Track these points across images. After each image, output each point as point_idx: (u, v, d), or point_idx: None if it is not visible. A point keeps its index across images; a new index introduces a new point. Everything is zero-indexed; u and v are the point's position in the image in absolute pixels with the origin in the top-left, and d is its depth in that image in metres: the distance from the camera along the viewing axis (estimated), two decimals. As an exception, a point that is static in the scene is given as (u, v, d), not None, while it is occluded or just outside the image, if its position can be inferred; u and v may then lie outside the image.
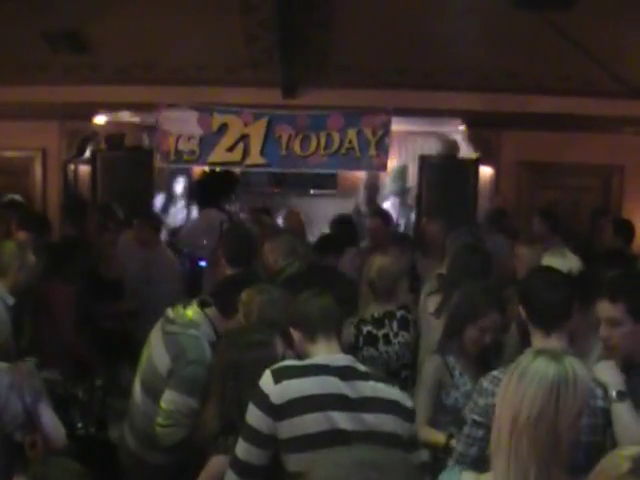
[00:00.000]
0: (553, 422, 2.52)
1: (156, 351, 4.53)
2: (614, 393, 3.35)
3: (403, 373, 5.49)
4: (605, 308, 3.57)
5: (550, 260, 5.48)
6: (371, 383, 3.44)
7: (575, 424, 2.59)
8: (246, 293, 4.42)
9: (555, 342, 3.58)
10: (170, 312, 4.62)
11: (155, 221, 8.44)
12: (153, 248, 8.10)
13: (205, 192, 9.83)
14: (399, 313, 5.62)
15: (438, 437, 4.23)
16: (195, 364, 4.32)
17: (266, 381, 3.32)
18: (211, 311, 4.65)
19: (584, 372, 2.63)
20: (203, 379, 4.19)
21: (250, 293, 4.42)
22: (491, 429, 2.80)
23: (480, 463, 3.16)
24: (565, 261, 5.46)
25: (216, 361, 3.94)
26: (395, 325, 5.55)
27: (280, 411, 3.27)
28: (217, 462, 3.56)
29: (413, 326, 5.65)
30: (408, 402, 3.51)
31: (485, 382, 3.50)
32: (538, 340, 3.65)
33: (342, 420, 3.30)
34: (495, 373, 3.50)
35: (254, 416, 3.31)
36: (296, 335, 3.66)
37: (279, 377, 3.32)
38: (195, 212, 11.36)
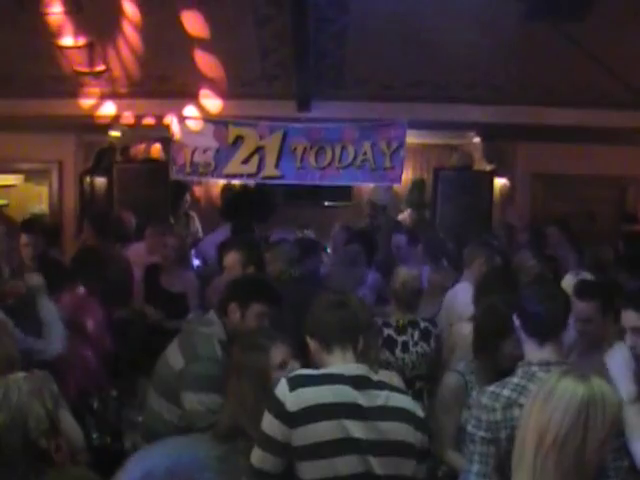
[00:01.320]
0: (580, 444, 2.52)
1: (171, 350, 4.57)
2: (626, 393, 3.35)
3: (418, 384, 5.51)
4: (630, 318, 3.60)
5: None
6: (385, 392, 3.44)
7: (603, 447, 2.58)
8: None
9: (548, 353, 3.55)
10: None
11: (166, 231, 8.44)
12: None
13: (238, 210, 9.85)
14: (423, 324, 5.69)
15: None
16: (205, 360, 4.35)
17: (281, 389, 3.33)
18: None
19: (613, 394, 2.64)
20: (215, 376, 4.20)
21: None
22: (498, 444, 2.83)
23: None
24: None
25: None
26: (417, 335, 5.61)
27: (295, 419, 3.27)
28: None
29: (435, 340, 5.68)
30: (420, 411, 3.50)
31: (484, 398, 3.49)
32: (531, 350, 3.61)
33: (356, 429, 3.30)
34: (492, 388, 3.50)
35: (269, 423, 3.31)
36: (312, 344, 3.64)
37: (294, 385, 3.33)
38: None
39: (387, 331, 5.56)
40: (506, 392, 3.44)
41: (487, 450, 3.40)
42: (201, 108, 9.55)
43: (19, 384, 4.08)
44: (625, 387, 3.40)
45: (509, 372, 3.65)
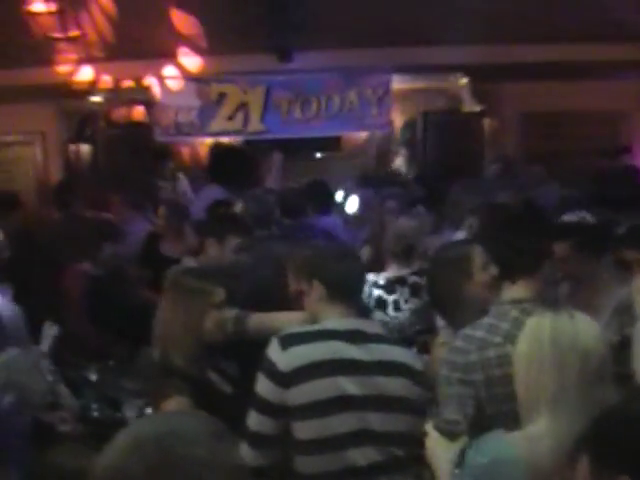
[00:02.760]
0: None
1: None
2: None
3: (420, 338, 5.34)
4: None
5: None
6: (383, 346, 3.37)
7: None
8: None
9: (522, 291, 3.45)
10: None
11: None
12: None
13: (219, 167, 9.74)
14: (411, 279, 5.51)
15: None
16: None
17: (273, 348, 3.26)
18: None
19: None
20: None
21: None
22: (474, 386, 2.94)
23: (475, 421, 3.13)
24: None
25: None
26: (406, 292, 5.46)
27: (288, 379, 3.20)
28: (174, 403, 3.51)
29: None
30: (420, 365, 3.43)
31: (458, 341, 3.39)
32: (504, 289, 3.52)
33: (351, 385, 3.23)
34: (465, 331, 3.39)
35: (263, 385, 3.24)
36: (314, 290, 3.49)
37: (286, 344, 3.25)
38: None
39: (377, 292, 5.45)
40: (479, 333, 3.34)
41: (465, 391, 3.30)
42: (181, 68, 9.41)
43: (19, 362, 4.04)
44: None
45: None
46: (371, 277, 5.50)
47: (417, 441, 3.19)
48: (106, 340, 6.36)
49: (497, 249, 3.59)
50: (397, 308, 5.44)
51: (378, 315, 5.32)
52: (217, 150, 10.80)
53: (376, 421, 3.25)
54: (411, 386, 3.32)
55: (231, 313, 3.84)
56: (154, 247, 7.66)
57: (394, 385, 3.30)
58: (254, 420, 3.26)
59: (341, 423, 3.23)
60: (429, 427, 3.04)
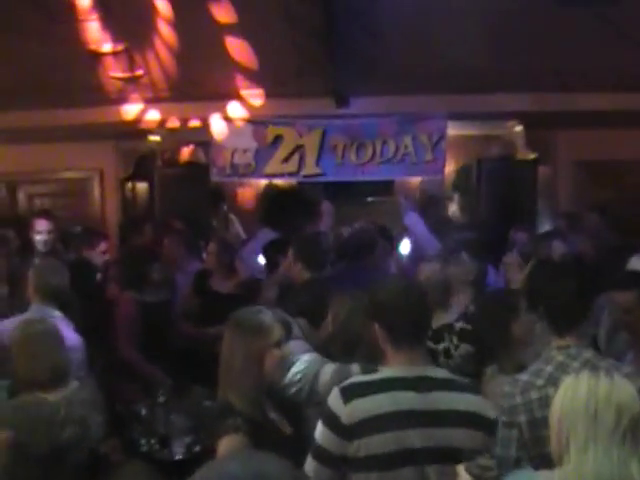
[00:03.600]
0: None
1: None
2: None
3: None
4: None
5: (636, 263, 5.43)
6: (450, 394, 3.34)
7: None
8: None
9: (569, 337, 3.55)
10: None
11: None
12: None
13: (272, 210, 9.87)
14: (458, 325, 5.48)
15: None
16: None
17: (335, 401, 3.26)
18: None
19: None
20: None
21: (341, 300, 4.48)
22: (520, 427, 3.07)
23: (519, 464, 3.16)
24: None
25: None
26: (455, 338, 5.41)
27: (351, 431, 3.20)
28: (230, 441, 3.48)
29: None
30: (491, 412, 3.40)
31: (507, 387, 3.52)
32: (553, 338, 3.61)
33: (412, 438, 3.22)
34: (515, 376, 3.57)
35: (324, 436, 3.26)
36: (378, 332, 3.48)
37: (349, 396, 3.25)
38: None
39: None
40: (525, 377, 3.49)
41: (508, 434, 3.37)
42: (239, 109, 9.51)
43: (78, 396, 4.11)
44: None
45: None
46: None
47: None
48: (156, 373, 6.44)
49: (544, 305, 3.67)
50: (448, 356, 5.37)
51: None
52: (271, 192, 10.92)
53: (435, 473, 3.23)
54: (481, 437, 3.30)
55: None
56: (205, 282, 7.74)
57: (459, 436, 3.27)
58: (314, 470, 3.25)
59: (399, 476, 3.22)
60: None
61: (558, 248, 7.11)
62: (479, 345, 5.36)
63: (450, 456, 3.20)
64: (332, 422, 3.23)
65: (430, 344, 5.31)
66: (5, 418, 3.20)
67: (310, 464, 3.27)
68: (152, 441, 5.34)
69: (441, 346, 5.40)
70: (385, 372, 3.40)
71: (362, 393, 3.27)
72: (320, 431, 3.28)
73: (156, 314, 6.82)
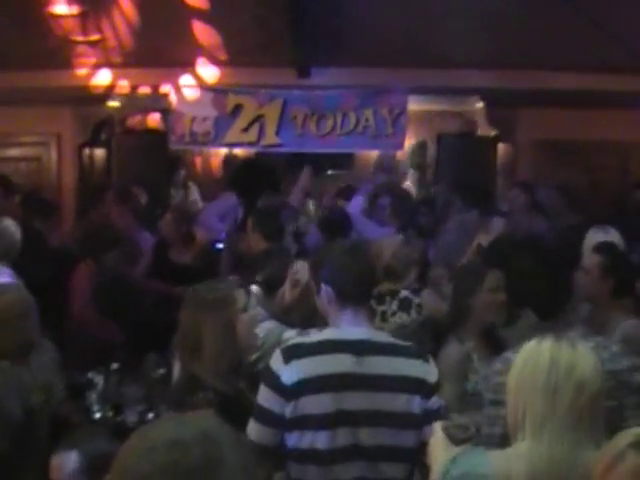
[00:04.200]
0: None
1: None
2: None
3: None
4: None
5: (594, 236, 5.48)
6: (390, 359, 3.35)
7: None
8: None
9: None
10: None
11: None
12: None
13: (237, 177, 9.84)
14: (403, 293, 5.55)
15: None
16: None
17: (276, 361, 3.29)
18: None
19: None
20: None
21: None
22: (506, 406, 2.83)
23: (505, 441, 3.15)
24: (607, 237, 5.45)
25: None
26: (395, 304, 5.48)
27: (290, 391, 3.23)
28: None
29: (417, 310, 5.54)
30: (432, 376, 3.39)
31: (498, 363, 3.51)
32: None
33: (349, 400, 3.24)
34: (506, 354, 3.52)
35: (266, 397, 3.28)
36: (326, 293, 3.49)
37: (289, 356, 3.28)
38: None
39: None
40: (513, 356, 3.39)
41: (494, 411, 3.40)
42: (198, 77, 9.43)
43: (39, 360, 4.09)
44: None
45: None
46: None
47: (416, 455, 3.22)
48: (111, 343, 6.42)
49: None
50: (384, 319, 5.46)
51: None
52: (235, 160, 10.88)
53: (369, 436, 3.26)
54: (419, 401, 3.31)
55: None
56: (164, 255, 7.69)
57: (396, 401, 3.29)
58: (257, 431, 3.28)
59: (331, 437, 3.25)
60: (437, 426, 3.06)
61: (497, 224, 7.24)
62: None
63: (386, 420, 3.27)
64: (273, 382, 3.26)
65: (372, 303, 5.34)
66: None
67: (252, 427, 3.29)
68: (106, 408, 5.32)
69: (380, 308, 5.49)
70: (327, 333, 3.43)
71: (302, 354, 3.29)
72: (261, 392, 3.31)
73: (111, 292, 6.81)
